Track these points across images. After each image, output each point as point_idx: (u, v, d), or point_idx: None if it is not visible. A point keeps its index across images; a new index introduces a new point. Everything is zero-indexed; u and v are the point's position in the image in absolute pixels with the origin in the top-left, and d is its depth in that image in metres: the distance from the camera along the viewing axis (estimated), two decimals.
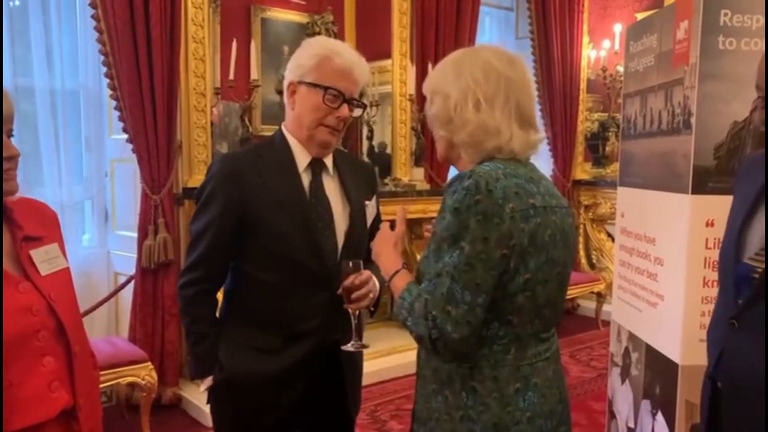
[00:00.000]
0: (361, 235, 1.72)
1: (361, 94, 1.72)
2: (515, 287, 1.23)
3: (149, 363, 3.22)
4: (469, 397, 1.27)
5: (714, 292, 1.75)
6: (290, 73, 1.67)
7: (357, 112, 1.72)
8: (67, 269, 1.32)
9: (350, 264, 1.57)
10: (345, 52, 1.64)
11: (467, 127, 1.29)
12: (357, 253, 1.67)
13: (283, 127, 1.72)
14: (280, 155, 1.67)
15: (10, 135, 1.20)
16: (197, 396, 3.50)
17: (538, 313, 1.28)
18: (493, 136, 1.29)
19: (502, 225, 1.19)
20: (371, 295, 1.61)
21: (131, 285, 3.60)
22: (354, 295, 1.57)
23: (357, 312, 1.61)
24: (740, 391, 1.35)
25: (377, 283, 1.64)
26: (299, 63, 1.65)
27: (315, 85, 1.61)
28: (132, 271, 3.59)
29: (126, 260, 3.74)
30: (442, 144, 1.38)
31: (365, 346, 1.65)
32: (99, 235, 4.06)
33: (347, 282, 1.56)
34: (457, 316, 1.19)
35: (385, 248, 1.43)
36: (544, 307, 1.29)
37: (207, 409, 3.26)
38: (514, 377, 1.26)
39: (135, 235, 3.55)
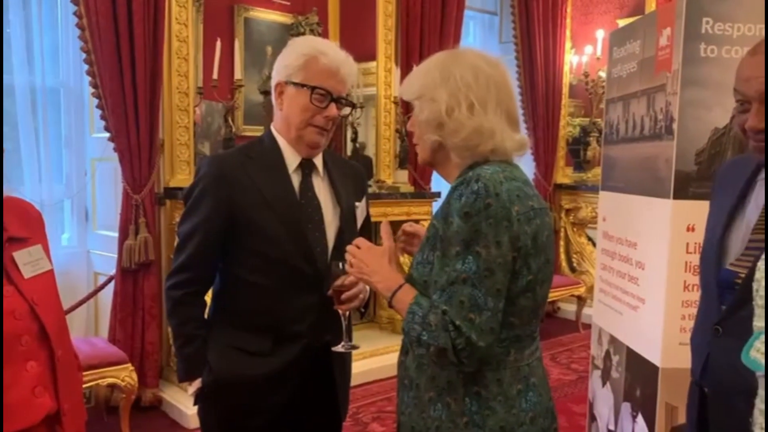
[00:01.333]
0: (352, 236, 1.71)
1: (347, 95, 1.72)
2: (518, 289, 1.23)
3: (129, 364, 3.19)
4: (473, 403, 1.25)
5: (694, 296, 1.78)
6: (277, 74, 1.66)
7: (345, 111, 1.71)
8: (51, 272, 1.30)
9: (340, 265, 1.55)
10: (332, 51, 1.63)
11: (462, 132, 1.28)
12: None
13: (272, 128, 1.71)
14: (269, 156, 1.66)
15: None
16: (177, 398, 3.47)
17: (536, 313, 1.30)
18: (488, 138, 1.28)
19: (511, 228, 1.19)
20: (361, 296, 1.61)
21: (111, 285, 3.56)
22: (344, 296, 1.56)
23: (347, 313, 1.61)
24: (727, 397, 1.36)
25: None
26: (286, 63, 1.64)
27: (302, 85, 1.61)
28: (112, 271, 3.54)
29: (106, 260, 3.70)
30: (427, 146, 1.35)
31: (355, 347, 1.65)
32: (79, 235, 4.00)
33: (337, 283, 1.55)
34: (481, 323, 1.17)
35: (379, 266, 1.35)
36: (540, 307, 1.31)
37: (187, 410, 3.29)
38: (515, 378, 1.27)
39: (115, 234, 3.51)
